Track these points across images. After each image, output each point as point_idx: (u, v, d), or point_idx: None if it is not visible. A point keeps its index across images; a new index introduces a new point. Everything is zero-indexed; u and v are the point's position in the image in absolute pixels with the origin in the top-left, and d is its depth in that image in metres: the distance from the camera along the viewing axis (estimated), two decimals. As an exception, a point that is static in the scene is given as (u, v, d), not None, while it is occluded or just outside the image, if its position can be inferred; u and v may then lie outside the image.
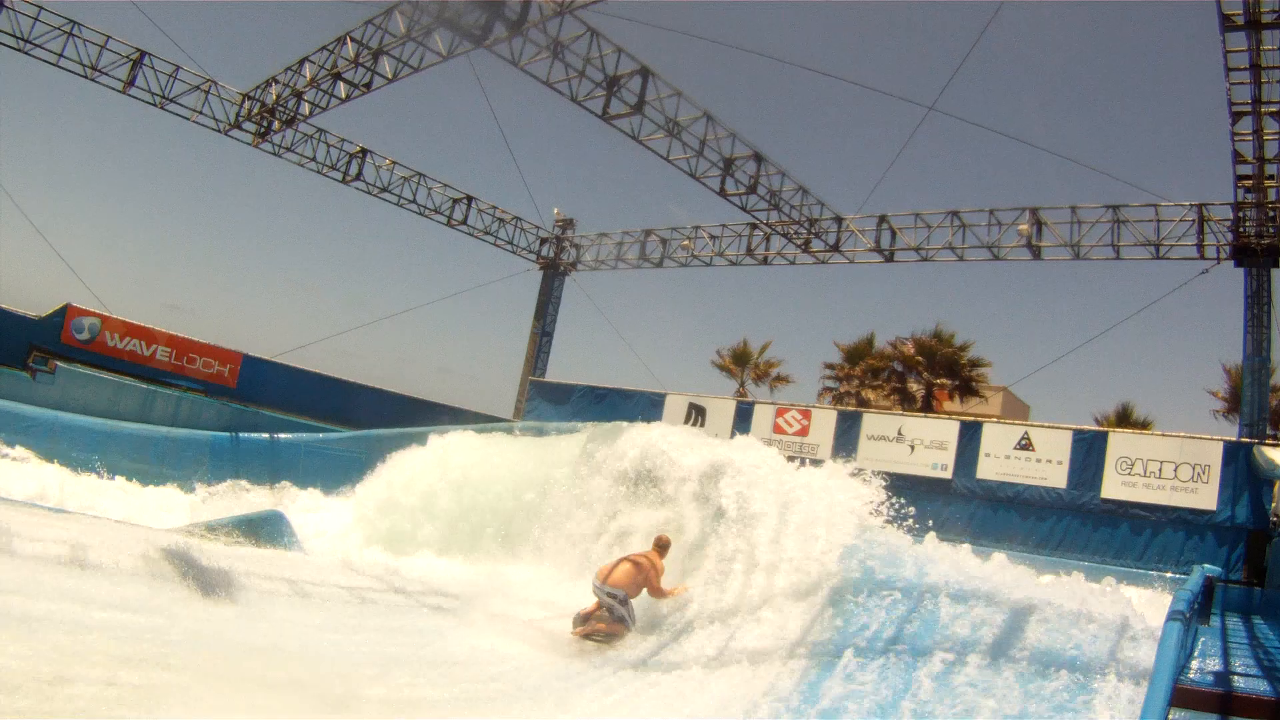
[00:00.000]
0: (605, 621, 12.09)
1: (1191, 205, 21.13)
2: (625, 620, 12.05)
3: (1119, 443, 18.32)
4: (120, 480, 19.80)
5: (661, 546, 12.92)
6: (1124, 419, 35.13)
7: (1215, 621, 12.05)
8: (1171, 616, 7.34)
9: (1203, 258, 21.04)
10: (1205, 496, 17.14)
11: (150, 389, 22.45)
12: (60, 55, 23.50)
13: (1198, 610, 9.76)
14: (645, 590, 12.35)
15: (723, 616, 12.03)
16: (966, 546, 12.30)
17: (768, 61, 42.63)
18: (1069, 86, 68.37)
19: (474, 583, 15.37)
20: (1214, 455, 17.36)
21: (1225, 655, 9.16)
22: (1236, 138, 17.21)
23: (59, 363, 21.24)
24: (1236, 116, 16.69)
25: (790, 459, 15.92)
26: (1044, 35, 64.97)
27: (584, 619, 12.28)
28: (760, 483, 14.07)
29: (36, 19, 22.98)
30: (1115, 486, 17.82)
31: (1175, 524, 17.27)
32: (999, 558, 11.76)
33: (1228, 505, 17.04)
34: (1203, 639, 9.73)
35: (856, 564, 11.99)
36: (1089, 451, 18.33)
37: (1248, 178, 18.40)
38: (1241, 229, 20.23)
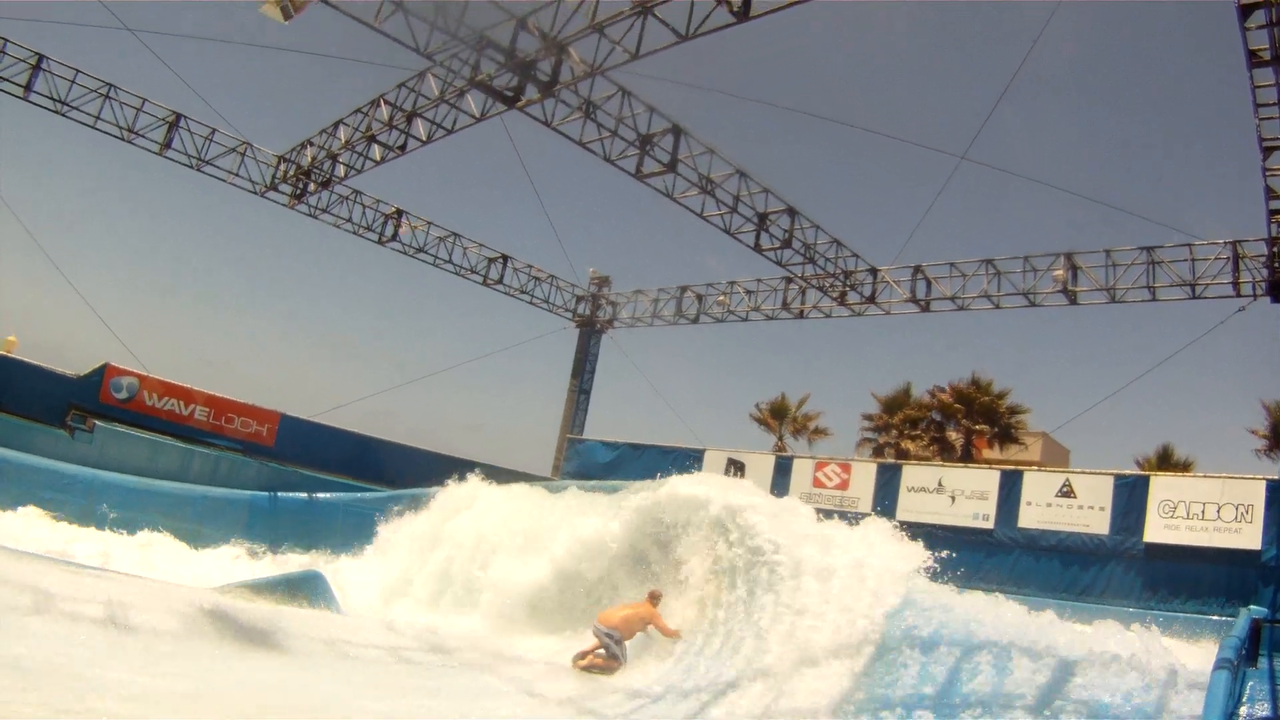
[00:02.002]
0: (602, 657, 13.98)
1: (1225, 243, 20.89)
2: (618, 657, 13.96)
3: (1161, 486, 17.98)
4: (158, 539, 19.85)
5: (654, 598, 14.79)
6: (1165, 460, 34.74)
7: (1263, 664, 11.83)
8: (1219, 665, 7.23)
9: (1239, 295, 20.77)
10: (1249, 536, 16.75)
11: (188, 448, 22.57)
12: (97, 118, 23.92)
13: (1245, 655, 9.61)
14: (647, 629, 14.34)
15: (767, 674, 11.93)
16: (1011, 598, 12.14)
17: (798, 115, 42.89)
18: (1099, 129, 68.26)
19: (514, 643, 15.41)
20: (1257, 494, 16.98)
21: (1274, 699, 9.00)
22: (1268, 173, 17.10)
23: (97, 421, 21.41)
24: (1267, 152, 16.60)
25: (831, 513, 15.85)
26: (1072, 80, 64.99)
27: (582, 655, 14.20)
28: (802, 539, 13.99)
29: (74, 82, 23.45)
30: (1158, 530, 17.46)
31: (1219, 565, 16.91)
32: (1044, 611, 11.61)
33: (1272, 544, 16.63)
34: (1250, 683, 9.56)
35: (901, 619, 11.86)
36: (1130, 496, 18.00)
37: (1280, 212, 18.26)
38: (1277, 264, 19.97)
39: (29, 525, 17.93)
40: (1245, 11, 14.06)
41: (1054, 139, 65.79)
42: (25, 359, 21.65)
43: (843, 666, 11.49)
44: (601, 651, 14.03)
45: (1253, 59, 14.68)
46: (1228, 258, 20.83)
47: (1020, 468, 20.56)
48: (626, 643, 14.13)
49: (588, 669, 13.83)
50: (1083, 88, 65.32)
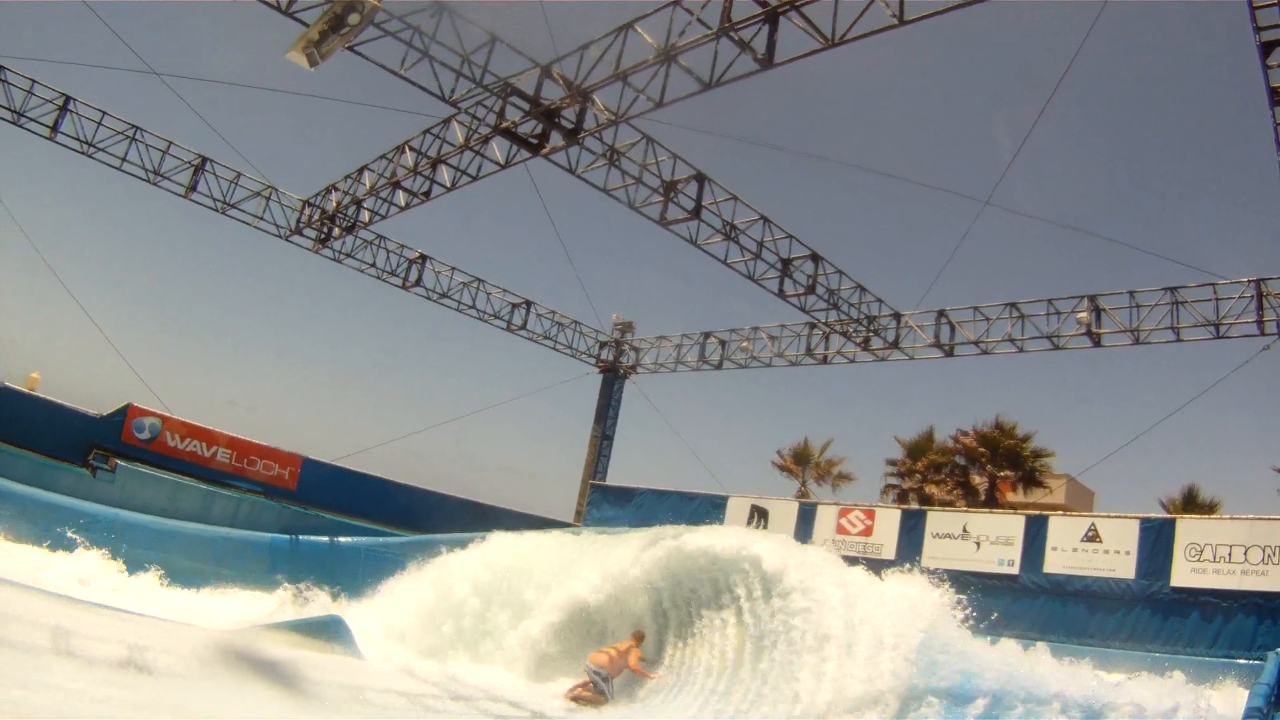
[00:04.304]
0: (590, 692, 15.03)
1: (1249, 282, 20.86)
2: (605, 693, 15.00)
3: (1187, 529, 17.73)
4: (178, 580, 19.80)
5: (638, 637, 15.85)
6: (1191, 502, 34.40)
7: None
8: (1249, 714, 7.11)
9: (1263, 334, 20.66)
10: (1277, 579, 16.49)
11: (210, 490, 22.56)
12: (123, 160, 24.17)
13: (1274, 701, 9.45)
14: (627, 668, 15.27)
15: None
16: (1040, 647, 12.00)
17: (822, 161, 42.94)
18: (1122, 170, 68.14)
19: (534, 691, 15.46)
20: (1284, 535, 16.75)
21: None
22: (1291, 210, 17.10)
23: (119, 461, 21.45)
24: (1289, 189, 16.55)
25: (854, 560, 15.75)
26: (1094, 122, 65.01)
27: (572, 689, 15.29)
28: (826, 587, 13.86)
29: (100, 124, 23.75)
30: (1185, 574, 17.18)
31: (1247, 609, 16.58)
32: (1071, 657, 11.48)
33: (1300, 586, 16.40)
34: (1281, 730, 9.40)
35: (927, 669, 11.72)
36: (1157, 540, 17.74)
37: (1304, 248, 18.21)
38: (1301, 302, 19.92)
39: (49, 563, 17.93)
40: (1267, 49, 14.11)
41: (1076, 181, 65.79)
42: (48, 397, 21.75)
43: (870, 718, 11.35)
44: (590, 687, 15.09)
45: (1274, 96, 14.73)
46: (1252, 296, 20.76)
47: (1045, 512, 20.34)
48: (614, 680, 15.19)
49: (576, 700, 14.98)
50: (1105, 129, 65.38)
